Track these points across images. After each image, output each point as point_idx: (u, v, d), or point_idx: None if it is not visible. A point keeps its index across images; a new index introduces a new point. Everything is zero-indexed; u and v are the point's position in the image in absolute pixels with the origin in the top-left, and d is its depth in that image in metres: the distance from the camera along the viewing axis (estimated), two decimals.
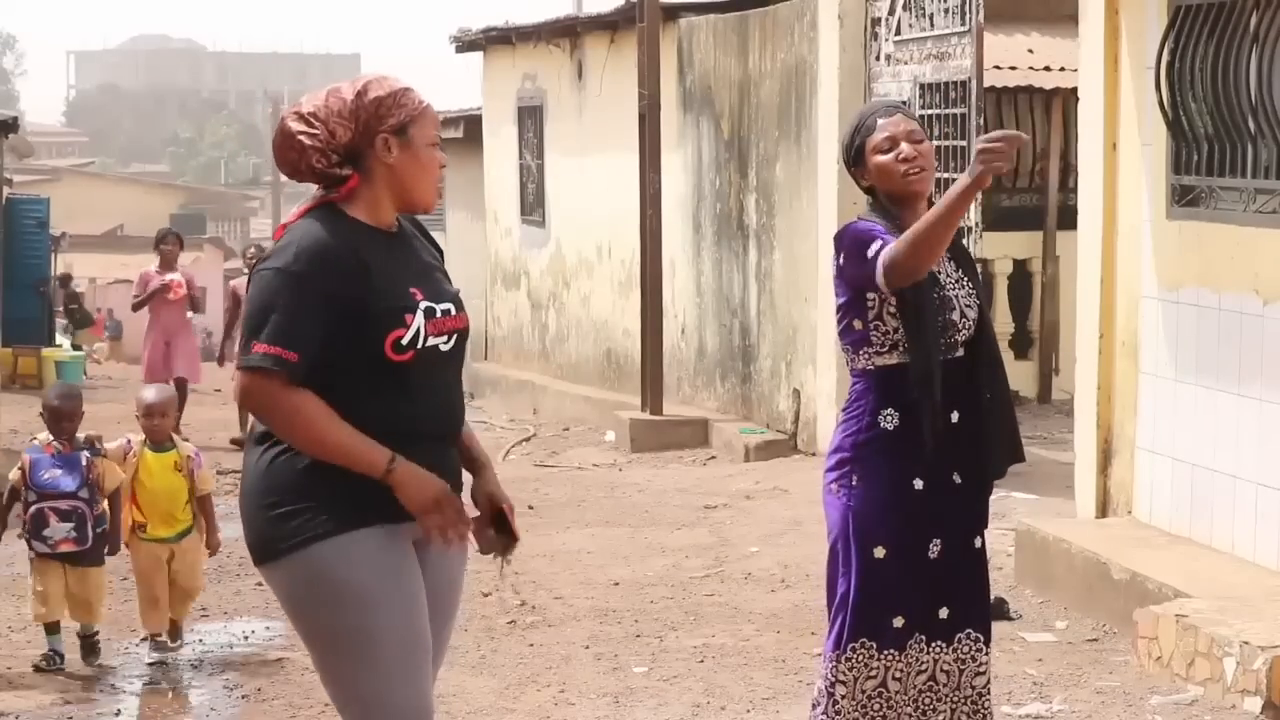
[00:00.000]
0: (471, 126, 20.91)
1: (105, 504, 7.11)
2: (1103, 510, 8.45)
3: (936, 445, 4.59)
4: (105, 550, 7.17)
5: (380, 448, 3.88)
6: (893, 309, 4.59)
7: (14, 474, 7.14)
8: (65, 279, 27.32)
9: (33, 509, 7.01)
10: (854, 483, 4.67)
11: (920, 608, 4.69)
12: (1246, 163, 7.46)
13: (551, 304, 17.95)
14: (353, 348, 3.92)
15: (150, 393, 7.42)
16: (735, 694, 6.63)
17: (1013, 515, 8.96)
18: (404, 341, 3.95)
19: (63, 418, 7.12)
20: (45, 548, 7.01)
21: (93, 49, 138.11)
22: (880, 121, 4.68)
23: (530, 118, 18.40)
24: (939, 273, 4.64)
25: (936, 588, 4.69)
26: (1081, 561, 7.70)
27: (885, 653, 4.69)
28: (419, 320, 3.97)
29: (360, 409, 3.94)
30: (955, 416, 4.64)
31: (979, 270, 4.95)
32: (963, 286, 4.69)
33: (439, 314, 4.02)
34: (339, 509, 3.91)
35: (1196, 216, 7.77)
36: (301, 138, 4.00)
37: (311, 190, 4.13)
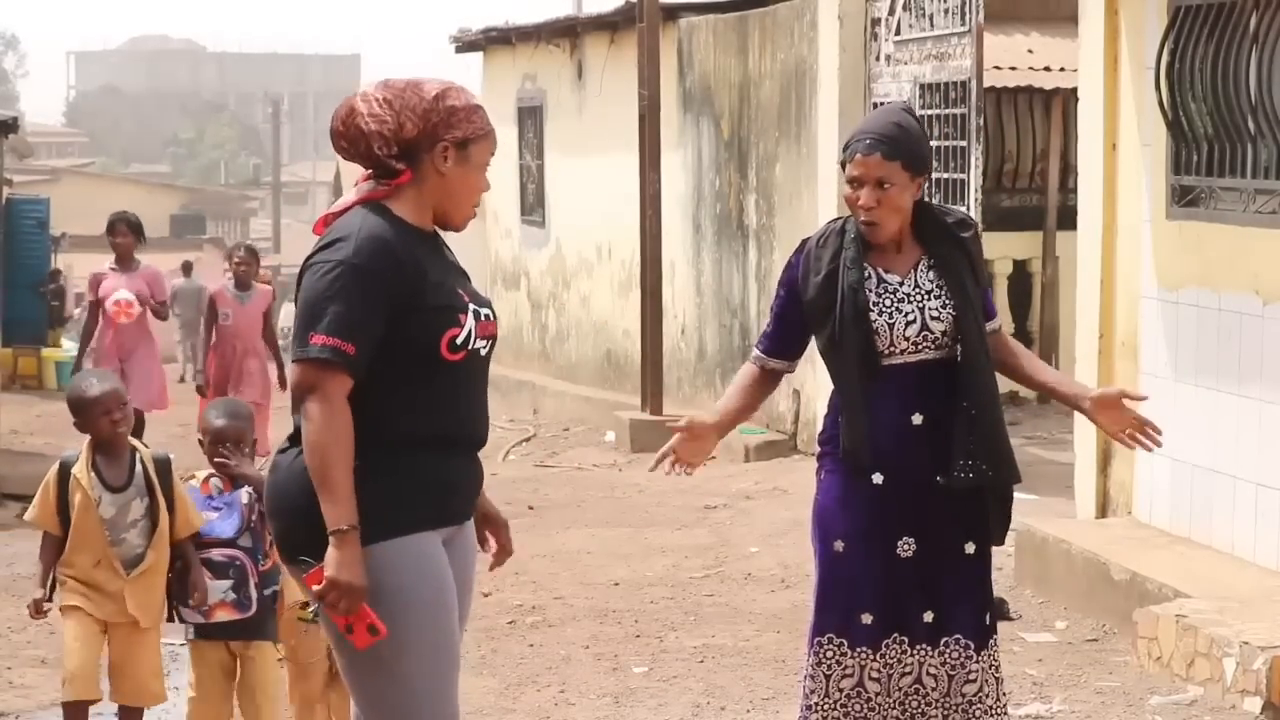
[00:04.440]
0: None
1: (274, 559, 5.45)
2: (1103, 510, 8.45)
3: (889, 446, 4.59)
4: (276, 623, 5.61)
5: (354, 511, 3.82)
6: None
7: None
8: (53, 275, 27.28)
9: (179, 563, 5.59)
10: (821, 477, 4.74)
11: (894, 607, 4.65)
12: (1246, 163, 7.46)
13: (551, 304, 17.96)
14: (409, 346, 3.91)
15: (220, 415, 5.62)
16: (735, 694, 6.64)
17: (1013, 516, 8.95)
18: (459, 341, 3.94)
19: (226, 443, 5.52)
20: (198, 616, 5.51)
21: (93, 49, 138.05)
22: (857, 157, 4.63)
23: (530, 118, 18.40)
24: (885, 289, 4.63)
25: (915, 589, 4.65)
26: (1081, 562, 7.70)
27: (858, 650, 4.66)
28: (470, 321, 3.98)
29: (410, 411, 3.92)
30: (918, 419, 4.61)
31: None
32: (934, 297, 4.64)
33: (483, 317, 4.03)
34: (382, 513, 3.87)
35: (1196, 217, 7.77)
36: (370, 121, 3.97)
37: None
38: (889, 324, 4.62)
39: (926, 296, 4.65)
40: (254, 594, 5.48)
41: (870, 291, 4.63)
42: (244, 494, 5.50)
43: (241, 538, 5.51)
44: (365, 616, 3.84)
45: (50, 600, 5.71)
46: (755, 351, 4.87)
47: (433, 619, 3.94)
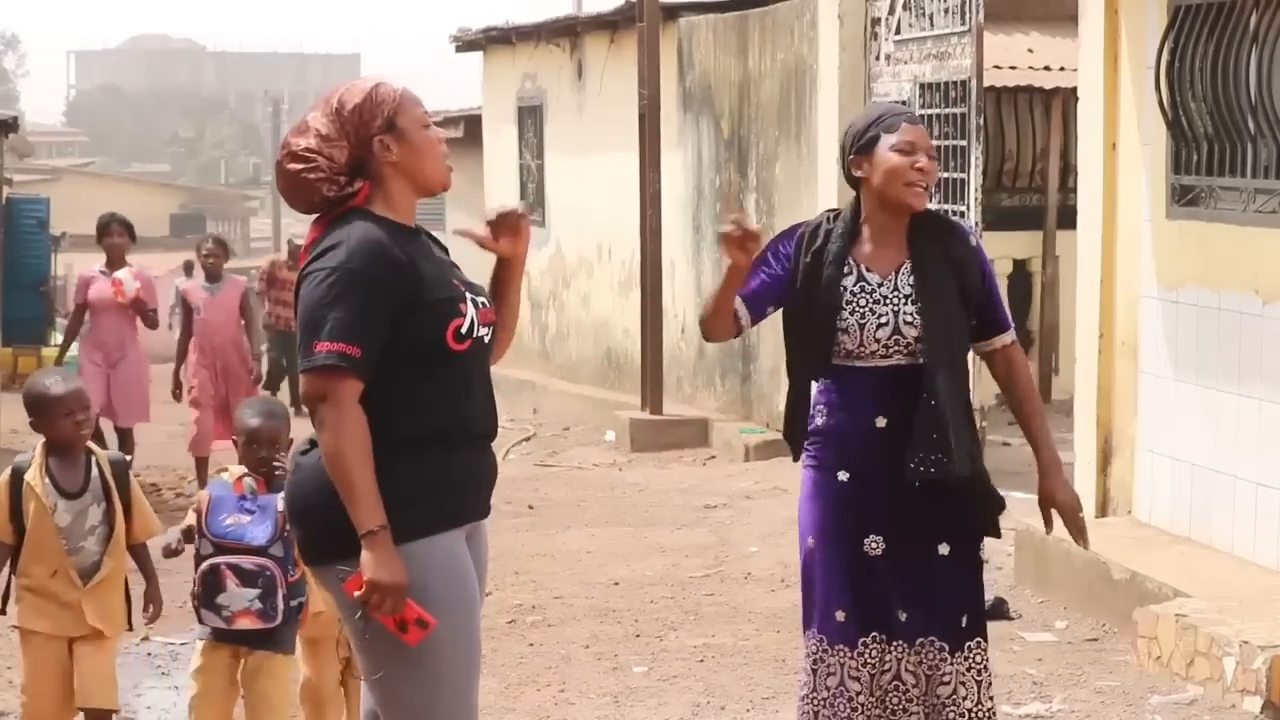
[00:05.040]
0: (471, 126, 20.92)
1: (301, 570, 5.19)
2: (1103, 510, 8.45)
3: (855, 446, 4.63)
4: (295, 634, 5.40)
5: (381, 511, 3.80)
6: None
7: (190, 516, 5.34)
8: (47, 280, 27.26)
9: (205, 565, 5.22)
10: (802, 473, 4.79)
11: (866, 605, 4.66)
12: (1246, 163, 7.46)
13: (551, 304, 17.95)
14: (415, 341, 3.91)
15: (255, 414, 5.39)
16: (735, 694, 6.64)
17: (1013, 515, 8.93)
18: (463, 330, 3.95)
19: (262, 444, 5.29)
20: (219, 620, 5.22)
21: (93, 49, 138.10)
22: (905, 125, 4.64)
23: (530, 118, 18.40)
24: (863, 287, 4.62)
25: (889, 588, 4.65)
26: (1081, 561, 7.69)
27: (836, 648, 4.69)
28: (471, 309, 3.99)
29: (424, 408, 3.92)
30: (882, 422, 4.61)
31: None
32: (911, 303, 4.61)
33: (480, 305, 4.04)
34: (405, 514, 3.85)
35: (1196, 216, 7.77)
36: (306, 176, 3.97)
37: None
38: (860, 324, 4.61)
39: (904, 300, 4.62)
40: (280, 605, 5.21)
41: (846, 290, 4.63)
42: (280, 500, 5.10)
43: (273, 546, 5.20)
44: (413, 612, 3.83)
45: (4, 613, 5.50)
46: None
47: (458, 618, 3.94)
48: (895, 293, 4.63)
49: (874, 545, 4.67)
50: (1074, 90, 9.44)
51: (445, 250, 4.20)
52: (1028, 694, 6.55)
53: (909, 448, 4.57)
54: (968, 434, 4.64)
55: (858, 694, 4.68)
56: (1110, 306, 8.43)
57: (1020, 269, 13.84)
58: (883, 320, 4.61)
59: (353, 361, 3.82)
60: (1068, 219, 11.51)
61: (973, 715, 4.70)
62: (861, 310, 4.61)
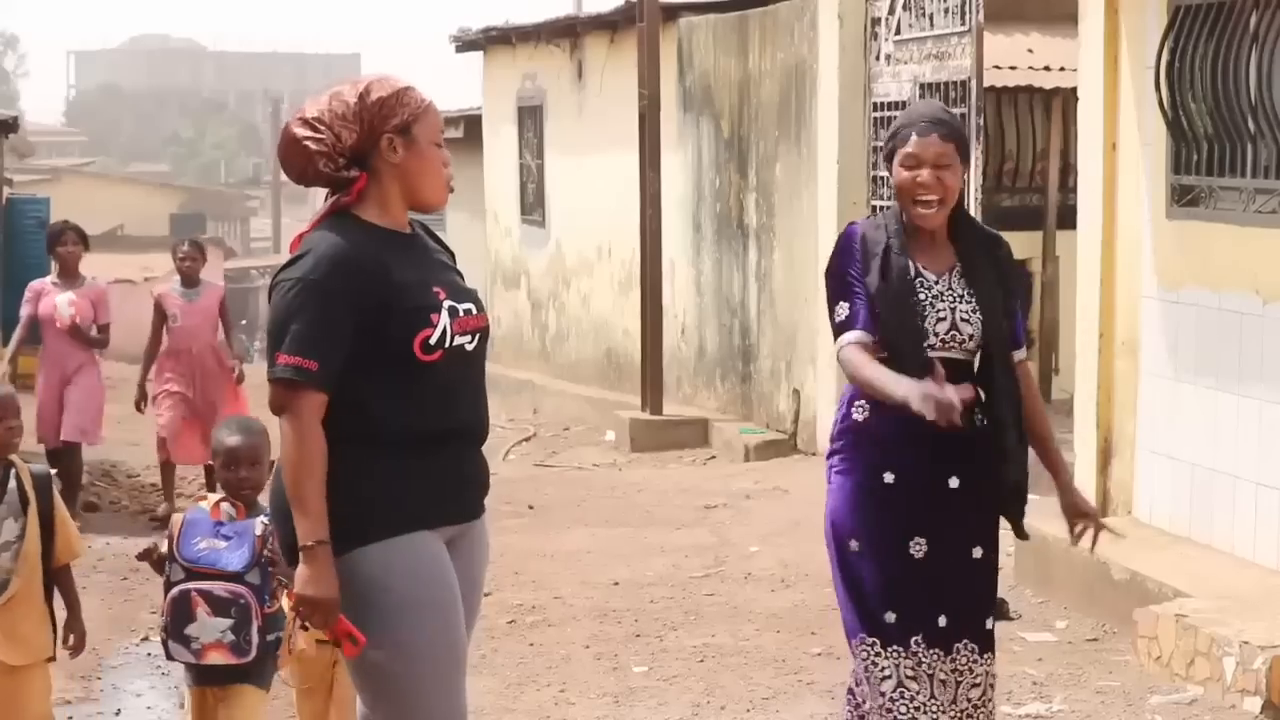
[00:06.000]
0: (471, 126, 20.92)
1: (284, 603, 4.85)
2: (1103, 510, 8.44)
3: (903, 443, 4.57)
4: (274, 670, 5.08)
5: (325, 526, 3.81)
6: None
7: (162, 542, 5.04)
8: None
9: (175, 591, 4.89)
10: (831, 479, 4.70)
11: (914, 607, 4.63)
12: (1246, 163, 7.46)
13: (551, 304, 17.96)
14: (381, 350, 3.91)
15: (232, 433, 5.11)
16: (735, 694, 6.64)
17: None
18: (432, 341, 3.94)
19: (242, 464, 5.01)
20: (188, 654, 4.87)
21: (93, 49, 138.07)
22: (914, 137, 4.61)
23: (530, 118, 18.41)
24: (922, 283, 4.60)
25: (928, 592, 4.64)
26: (1081, 561, 7.69)
27: (890, 649, 4.64)
28: (445, 319, 3.97)
29: (391, 412, 3.92)
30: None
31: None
32: (965, 301, 4.62)
33: (462, 313, 4.02)
34: (383, 513, 3.88)
35: (1196, 216, 7.77)
36: (307, 143, 3.98)
37: (316, 197, 4.11)
38: (921, 318, 4.62)
39: (958, 299, 4.63)
40: (255, 638, 4.86)
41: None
42: (258, 524, 4.91)
43: (250, 573, 4.87)
44: (343, 627, 3.85)
45: None
46: (857, 334, 4.59)
47: (429, 619, 3.94)
48: (950, 291, 4.62)
49: (918, 547, 4.63)
50: (1074, 90, 9.44)
51: (448, 250, 4.21)
52: (1028, 694, 6.55)
53: (1000, 468, 4.63)
54: (1017, 434, 4.70)
55: (918, 693, 4.64)
56: (1110, 306, 8.43)
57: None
58: (941, 315, 4.60)
59: (309, 375, 3.84)
60: (1068, 219, 11.50)
61: (991, 716, 4.75)
62: (924, 305, 4.60)
